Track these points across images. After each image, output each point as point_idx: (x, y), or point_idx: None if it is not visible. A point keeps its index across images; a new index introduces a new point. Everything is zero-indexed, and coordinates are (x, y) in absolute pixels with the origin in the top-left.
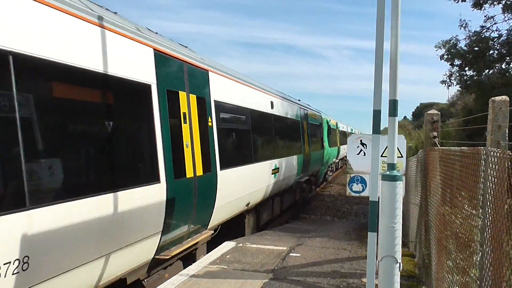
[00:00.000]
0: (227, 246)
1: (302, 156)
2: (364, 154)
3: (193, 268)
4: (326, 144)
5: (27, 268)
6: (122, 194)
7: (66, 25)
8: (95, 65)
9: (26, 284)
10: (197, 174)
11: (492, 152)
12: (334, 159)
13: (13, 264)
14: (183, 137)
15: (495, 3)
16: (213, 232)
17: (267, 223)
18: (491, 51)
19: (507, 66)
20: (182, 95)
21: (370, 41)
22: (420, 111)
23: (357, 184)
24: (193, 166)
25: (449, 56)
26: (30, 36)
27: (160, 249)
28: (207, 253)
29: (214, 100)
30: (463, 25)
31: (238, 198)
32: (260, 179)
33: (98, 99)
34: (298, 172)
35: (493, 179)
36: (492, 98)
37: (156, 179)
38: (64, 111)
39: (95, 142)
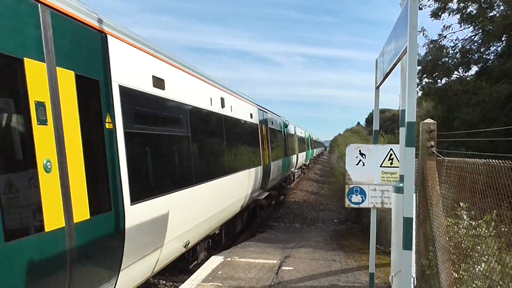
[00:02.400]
0: (215, 261)
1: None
2: (363, 165)
3: (186, 287)
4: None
5: None
6: None
7: None
8: None
9: None
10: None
11: None
12: (311, 155)
13: None
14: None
15: (452, 14)
16: None
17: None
18: (448, 60)
19: (464, 74)
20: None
21: (322, 49)
22: (373, 117)
23: (356, 195)
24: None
25: None
26: None
27: None
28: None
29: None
30: (422, 33)
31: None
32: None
33: None
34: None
35: None
36: None
37: None
38: None
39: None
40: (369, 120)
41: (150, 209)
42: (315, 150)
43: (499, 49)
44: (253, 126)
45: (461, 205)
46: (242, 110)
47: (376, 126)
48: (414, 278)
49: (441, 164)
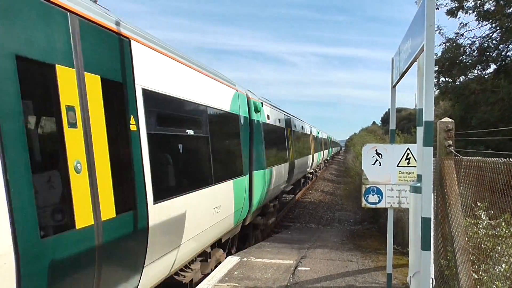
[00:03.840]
0: (231, 261)
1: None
2: (380, 164)
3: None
4: (330, 147)
5: None
6: None
7: None
8: None
9: None
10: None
11: None
12: (331, 153)
13: None
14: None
15: (469, 11)
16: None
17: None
18: (465, 58)
19: (481, 72)
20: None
21: (336, 48)
22: (389, 117)
23: (372, 195)
24: None
25: None
26: None
27: None
28: None
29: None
30: (439, 32)
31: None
32: None
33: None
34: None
35: None
36: None
37: None
38: None
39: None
40: (385, 120)
41: (301, 161)
42: (333, 149)
43: None
44: (309, 135)
45: (479, 204)
46: (310, 129)
47: (392, 125)
48: (432, 278)
49: (460, 163)
